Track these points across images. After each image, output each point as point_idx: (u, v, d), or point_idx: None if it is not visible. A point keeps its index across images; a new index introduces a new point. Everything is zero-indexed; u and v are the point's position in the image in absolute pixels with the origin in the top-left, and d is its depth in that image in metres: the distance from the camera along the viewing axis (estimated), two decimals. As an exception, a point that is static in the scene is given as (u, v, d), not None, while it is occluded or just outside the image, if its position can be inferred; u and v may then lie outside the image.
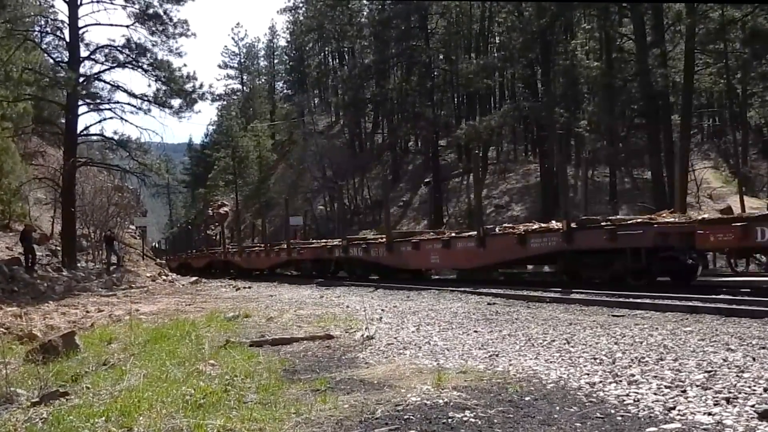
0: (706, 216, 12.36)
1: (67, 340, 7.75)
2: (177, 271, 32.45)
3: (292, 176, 57.30)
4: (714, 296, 9.02)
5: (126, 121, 27.13)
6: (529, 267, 16.98)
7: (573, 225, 13.26)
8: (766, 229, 10.49)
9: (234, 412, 4.26)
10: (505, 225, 17.52)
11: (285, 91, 78.37)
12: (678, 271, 12.69)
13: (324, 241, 24.25)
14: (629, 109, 29.36)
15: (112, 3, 23.96)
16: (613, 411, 3.86)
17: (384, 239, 18.84)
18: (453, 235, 17.20)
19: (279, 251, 25.04)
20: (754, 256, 11.97)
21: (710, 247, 11.83)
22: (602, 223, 12.95)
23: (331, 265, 22.38)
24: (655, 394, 4.16)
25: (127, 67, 24.54)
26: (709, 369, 4.72)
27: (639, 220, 12.93)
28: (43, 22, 25.19)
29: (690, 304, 8.60)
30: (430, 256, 16.99)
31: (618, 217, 14.99)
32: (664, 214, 13.43)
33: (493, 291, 12.43)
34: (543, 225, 14.67)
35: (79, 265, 24.23)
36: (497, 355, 5.90)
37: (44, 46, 25.88)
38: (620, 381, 4.57)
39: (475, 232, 15.37)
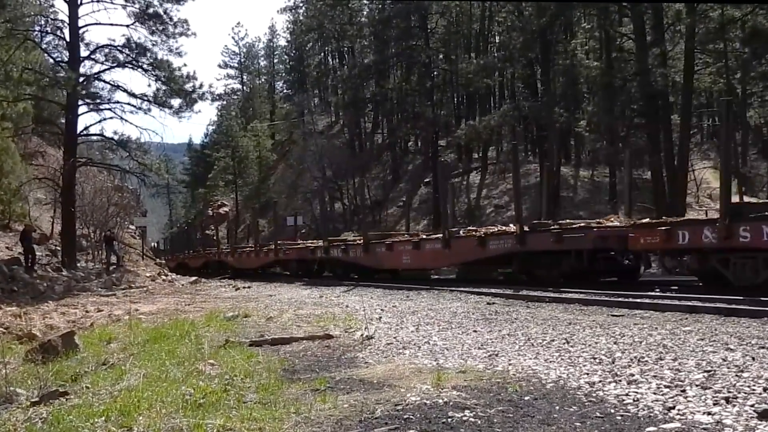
0: (636, 221, 13.37)
1: (67, 339, 7.75)
2: (175, 270, 32.56)
3: (291, 176, 57.28)
4: (714, 296, 9.02)
5: (126, 121, 27.13)
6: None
7: (526, 228, 14.43)
8: (686, 232, 11.34)
9: (233, 412, 4.26)
10: (469, 228, 18.79)
11: (285, 90, 78.35)
12: (620, 271, 13.73)
13: (307, 242, 25.17)
14: (629, 109, 29.35)
15: (112, 3, 23.96)
16: (612, 410, 3.86)
17: (361, 241, 19.86)
18: (422, 237, 18.18)
19: (267, 252, 25.94)
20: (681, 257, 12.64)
21: (640, 248, 12.55)
22: (551, 227, 14.05)
23: (315, 265, 23.25)
24: (654, 393, 4.16)
25: (127, 66, 24.53)
26: (709, 369, 4.72)
27: (582, 224, 14.15)
28: (43, 22, 25.24)
29: (689, 303, 8.61)
30: (402, 257, 18.07)
31: (567, 221, 16.08)
32: (612, 218, 14.53)
33: (493, 291, 12.44)
34: (501, 228, 15.92)
35: (78, 265, 24.22)
36: (497, 355, 5.90)
37: (44, 46, 25.92)
38: (620, 380, 4.57)
39: (441, 235, 16.45)
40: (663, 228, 11.71)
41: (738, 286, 10.37)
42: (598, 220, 15.02)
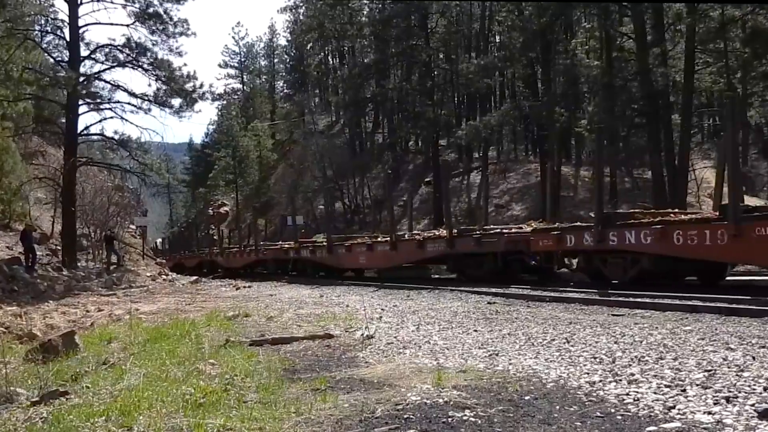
0: (536, 226, 15.05)
1: (67, 339, 7.75)
2: (172, 270, 32.81)
3: (292, 176, 57.29)
4: (714, 295, 9.02)
5: (126, 120, 27.18)
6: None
7: (454, 233, 16.39)
8: (572, 236, 13.13)
9: (234, 412, 4.26)
10: (414, 232, 20.84)
11: (285, 90, 78.39)
12: (532, 270, 15.48)
13: (283, 243, 26.73)
14: (629, 109, 29.33)
15: (112, 2, 23.98)
16: (613, 410, 3.86)
17: (326, 243, 21.80)
18: (374, 240, 20.01)
19: (250, 252, 27.66)
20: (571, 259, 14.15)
21: (540, 250, 14.22)
22: (473, 233, 16.06)
23: (289, 264, 24.94)
24: (655, 393, 4.16)
25: (127, 66, 24.54)
26: (709, 368, 4.72)
27: (497, 230, 16.13)
28: (43, 22, 25.27)
29: (690, 303, 8.60)
30: (359, 258, 19.91)
31: (490, 226, 17.84)
32: (533, 223, 15.98)
33: (493, 290, 12.43)
34: (435, 233, 17.88)
35: (79, 264, 24.25)
36: (497, 355, 5.90)
37: (44, 46, 25.91)
38: (620, 380, 4.57)
39: (389, 238, 18.50)
40: (555, 233, 13.56)
41: (613, 281, 12.43)
42: (519, 225, 17.16)
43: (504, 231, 15.83)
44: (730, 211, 10.36)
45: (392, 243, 18.13)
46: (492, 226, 18.06)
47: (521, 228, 15.95)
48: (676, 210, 15.82)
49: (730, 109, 12.55)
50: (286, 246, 24.99)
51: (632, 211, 15.99)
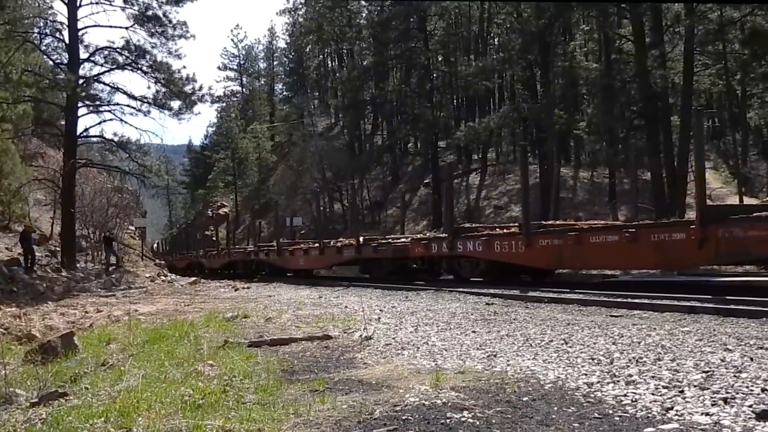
0: (415, 236, 18.55)
1: (66, 340, 7.76)
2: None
3: (291, 177, 57.32)
4: (712, 296, 9.03)
5: (125, 122, 27.18)
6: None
7: (361, 241, 19.57)
8: (436, 245, 16.47)
9: (232, 413, 4.27)
10: (340, 239, 23.26)
11: (284, 92, 78.38)
12: (410, 272, 18.41)
13: (246, 247, 31.08)
14: (628, 111, 29.35)
15: (111, 4, 23.99)
16: (610, 411, 3.87)
17: (276, 247, 25.21)
18: (309, 246, 23.43)
19: (226, 254, 30.88)
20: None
21: (416, 256, 17.35)
22: (371, 242, 19.60)
23: (253, 265, 27.84)
24: (652, 394, 4.17)
25: (126, 68, 24.55)
26: (707, 369, 4.73)
27: (389, 240, 19.90)
28: (42, 24, 25.23)
29: (688, 304, 8.61)
30: (299, 260, 23.15)
31: (391, 236, 21.83)
32: (428, 233, 19.47)
33: (491, 291, 12.44)
34: (350, 241, 20.60)
35: (78, 265, 24.23)
36: (495, 356, 5.91)
37: (43, 48, 25.87)
38: (618, 381, 4.58)
39: (318, 244, 22.15)
40: (424, 242, 17.00)
41: (467, 279, 15.76)
42: (418, 235, 20.64)
43: (391, 240, 19.55)
44: (524, 228, 14.33)
45: (320, 249, 21.73)
46: (387, 236, 22.44)
47: (406, 238, 19.67)
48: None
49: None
50: (249, 249, 29.42)
51: (476, 225, 19.69)
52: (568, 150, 41.74)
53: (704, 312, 8.03)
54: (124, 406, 4.58)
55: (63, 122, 26.16)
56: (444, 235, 16.84)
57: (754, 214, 10.67)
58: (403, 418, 3.94)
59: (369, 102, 51.18)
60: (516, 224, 16.69)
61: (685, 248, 11.05)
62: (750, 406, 3.73)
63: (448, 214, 18.81)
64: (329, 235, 32.36)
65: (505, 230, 15.95)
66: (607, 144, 31.82)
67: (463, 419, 3.85)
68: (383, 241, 19.60)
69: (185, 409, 4.41)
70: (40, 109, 27.06)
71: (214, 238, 41.72)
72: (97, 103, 24.73)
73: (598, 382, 4.62)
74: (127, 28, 24.09)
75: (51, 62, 26.56)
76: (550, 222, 18.04)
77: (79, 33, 23.87)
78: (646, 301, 9.36)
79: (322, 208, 51.84)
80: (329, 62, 71.94)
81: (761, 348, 5.52)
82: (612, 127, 28.01)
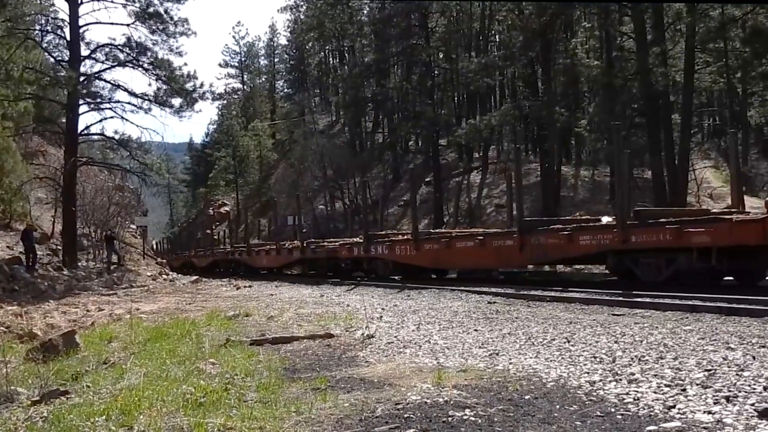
0: (343, 241, 22.02)
1: (68, 338, 7.76)
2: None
3: (292, 175, 57.26)
4: (714, 295, 9.02)
5: (126, 120, 27.24)
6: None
7: (304, 244, 22.87)
8: (356, 248, 19.69)
9: (234, 411, 4.27)
10: (292, 241, 26.37)
11: (285, 90, 78.37)
12: (349, 270, 21.36)
13: (226, 247, 34.14)
14: (629, 109, 29.32)
15: (112, 2, 23.91)
16: (613, 409, 3.86)
17: (246, 247, 29.10)
18: (269, 247, 27.13)
19: (211, 254, 34.13)
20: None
21: (344, 257, 20.72)
22: (312, 244, 23.00)
23: (231, 264, 31.08)
24: (655, 392, 4.16)
25: (127, 66, 24.50)
26: (709, 368, 4.72)
27: (324, 243, 22.95)
28: (43, 21, 25.13)
29: (690, 303, 8.60)
30: (264, 259, 26.58)
31: (333, 239, 24.45)
32: (354, 239, 21.75)
33: (494, 290, 12.43)
34: (296, 244, 23.86)
35: (79, 264, 24.22)
36: (497, 354, 5.90)
37: (45, 45, 25.81)
38: (620, 380, 4.58)
39: (275, 246, 25.77)
40: (347, 246, 20.39)
41: (382, 276, 18.65)
42: (341, 240, 23.17)
43: (326, 244, 22.53)
44: (413, 235, 17.44)
45: (277, 250, 25.08)
46: (323, 240, 24.72)
47: (336, 242, 22.50)
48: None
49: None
50: (228, 250, 32.77)
51: (386, 232, 23.24)
52: (569, 148, 41.68)
53: (706, 311, 8.02)
54: (126, 404, 4.58)
55: (64, 120, 26.10)
56: (361, 240, 19.92)
57: (552, 226, 14.07)
58: (405, 416, 3.94)
59: (370, 99, 51.10)
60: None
61: (513, 252, 14.27)
62: (752, 405, 3.73)
63: (364, 222, 22.58)
64: (330, 234, 32.62)
65: (401, 236, 19.75)
66: (608, 142, 31.79)
67: (465, 417, 3.85)
68: (321, 245, 22.72)
69: (187, 407, 4.42)
70: (41, 107, 26.99)
71: (216, 237, 41.81)
72: (98, 100, 24.69)
73: (601, 380, 4.62)
74: (128, 25, 24.06)
75: (52, 59, 26.58)
76: (435, 231, 23.01)
77: (81, 30, 23.82)
78: (648, 299, 9.35)
79: (323, 206, 51.98)
80: (330, 59, 71.87)
81: (763, 347, 5.51)
82: (613, 125, 27.96)
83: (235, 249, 30.83)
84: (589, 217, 17.85)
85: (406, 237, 18.75)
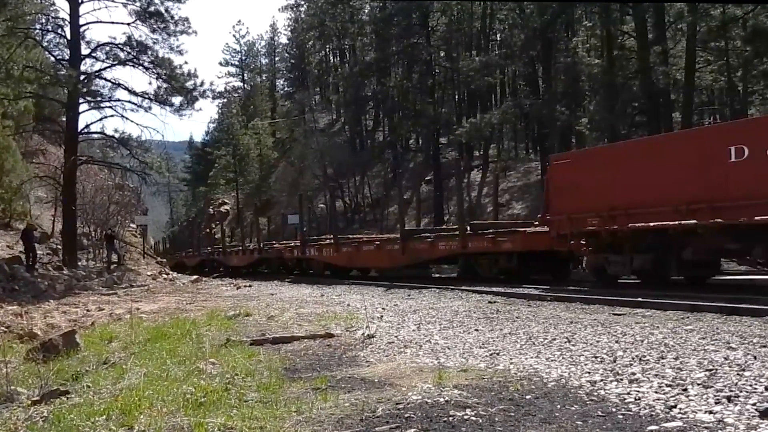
0: (285, 244, 26.21)
1: (68, 338, 7.76)
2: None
3: (292, 174, 57.24)
4: (715, 294, 9.01)
5: (127, 119, 27.15)
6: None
7: (261, 246, 28.07)
8: (296, 250, 23.96)
9: (235, 411, 4.26)
10: (236, 244, 33.47)
11: (286, 88, 78.23)
12: (294, 268, 25.63)
13: (209, 248, 37.80)
14: (630, 107, 29.28)
15: (113, 1, 23.90)
16: (614, 409, 3.86)
17: (221, 248, 34.28)
18: (238, 248, 31.90)
19: (198, 255, 37.65)
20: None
21: (287, 258, 25.16)
22: (267, 246, 27.89)
23: (214, 263, 34.30)
24: (656, 392, 4.16)
25: (128, 64, 24.47)
26: (710, 367, 4.72)
27: (274, 244, 27.42)
28: (44, 20, 25.09)
29: (691, 302, 8.59)
30: (234, 259, 31.18)
31: (275, 242, 28.64)
32: (278, 243, 27.40)
33: (494, 289, 12.44)
34: (255, 245, 29.50)
35: (79, 263, 24.20)
36: (498, 354, 5.90)
37: (45, 44, 25.77)
38: (621, 379, 4.57)
39: (241, 247, 31.47)
40: (289, 247, 24.94)
41: (320, 274, 22.52)
42: (286, 242, 27.45)
43: (276, 245, 26.62)
44: (334, 240, 21.78)
45: (243, 251, 30.08)
46: (274, 243, 28.44)
47: (282, 244, 26.41)
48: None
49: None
50: (210, 250, 36.49)
51: (322, 236, 25.69)
52: (570, 146, 41.61)
53: (707, 310, 8.02)
54: (126, 404, 4.58)
55: (64, 118, 26.10)
56: (299, 243, 23.97)
57: (421, 235, 18.50)
58: (406, 416, 3.93)
59: (370, 98, 51.12)
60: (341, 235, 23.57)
61: (398, 254, 18.28)
62: (753, 404, 3.73)
63: (300, 226, 25.81)
64: (330, 232, 32.81)
65: (327, 241, 22.64)
66: (608, 140, 31.75)
67: (466, 417, 3.84)
68: (273, 246, 26.90)
69: (187, 407, 4.41)
70: (42, 106, 26.98)
71: (217, 236, 41.90)
72: (99, 99, 24.65)
73: (602, 380, 4.61)
74: (128, 24, 24.02)
75: (52, 58, 26.50)
76: (352, 236, 25.84)
77: (81, 29, 23.79)
78: (649, 299, 9.34)
79: (323, 205, 51.94)
80: (331, 58, 71.83)
81: (765, 346, 5.51)
82: (614, 124, 27.92)
83: (215, 250, 34.95)
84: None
85: (329, 242, 22.37)
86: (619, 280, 12.77)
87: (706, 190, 10.20)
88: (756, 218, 9.48)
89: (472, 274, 16.16)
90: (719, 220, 10.04)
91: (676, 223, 10.60)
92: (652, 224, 11.06)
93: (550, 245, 13.58)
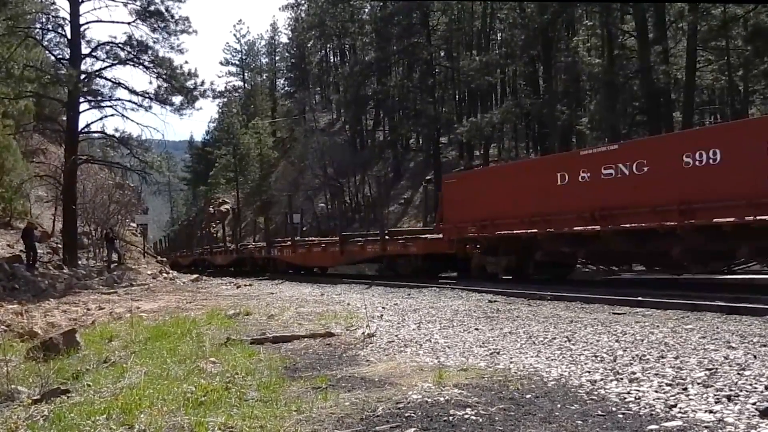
0: (254, 245, 29.79)
1: (68, 337, 7.76)
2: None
3: (293, 174, 57.27)
4: (715, 294, 9.01)
5: (127, 118, 27.21)
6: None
7: (238, 247, 31.42)
8: (264, 250, 26.46)
9: (235, 410, 4.27)
10: (221, 245, 35.72)
11: (286, 88, 78.28)
12: (263, 267, 27.44)
13: (196, 250, 39.72)
14: (631, 107, 29.29)
15: (113, 0, 23.89)
16: (614, 409, 3.86)
17: (209, 249, 36.71)
18: (220, 249, 34.15)
19: (189, 255, 39.57)
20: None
21: (257, 257, 27.73)
22: (242, 247, 31.11)
23: (204, 262, 35.62)
24: (656, 391, 4.16)
25: (128, 64, 24.44)
26: (711, 367, 4.72)
27: (248, 245, 30.95)
28: (44, 19, 25.08)
29: (691, 301, 8.59)
30: (218, 258, 33.18)
31: (251, 243, 32.43)
32: (251, 245, 30.51)
33: (494, 289, 12.42)
34: (233, 246, 32.71)
35: (80, 262, 24.19)
36: (498, 353, 5.90)
37: (45, 44, 25.77)
38: (621, 379, 4.57)
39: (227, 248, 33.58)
40: (258, 248, 27.90)
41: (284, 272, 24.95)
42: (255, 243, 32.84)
43: (248, 246, 30.44)
44: (292, 242, 24.70)
45: (225, 251, 32.85)
46: (248, 244, 32.44)
47: (253, 245, 30.19)
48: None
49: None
50: (200, 251, 38.51)
51: (286, 239, 27.16)
52: (571, 146, 41.60)
53: (707, 309, 8.02)
54: (126, 403, 4.58)
55: (64, 118, 26.07)
56: (265, 244, 26.91)
57: (355, 239, 21.06)
58: (406, 415, 3.93)
59: (371, 98, 51.12)
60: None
61: (338, 255, 21.09)
62: (753, 404, 3.73)
63: (266, 231, 28.37)
64: (331, 233, 32.94)
65: (288, 243, 25.04)
66: (609, 140, 31.74)
67: (466, 416, 3.84)
68: (246, 247, 30.32)
69: (187, 406, 4.41)
70: (42, 105, 26.96)
71: (218, 235, 42.00)
72: (99, 98, 24.62)
73: (602, 379, 4.61)
74: (129, 23, 24.00)
75: (53, 58, 26.48)
76: (306, 239, 28.18)
77: (81, 28, 23.76)
78: (649, 298, 9.33)
79: (323, 204, 51.97)
80: (331, 58, 71.87)
81: (765, 345, 5.50)
82: (614, 123, 27.93)
83: (204, 251, 37.51)
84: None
85: (288, 244, 25.02)
86: (507, 276, 15.04)
87: (543, 206, 13.11)
88: (575, 228, 12.51)
89: (392, 272, 18.80)
90: (551, 229, 12.99)
91: (523, 231, 13.68)
92: (509, 232, 14.10)
93: (445, 249, 16.51)
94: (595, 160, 12.37)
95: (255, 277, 24.90)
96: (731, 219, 9.81)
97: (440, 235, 16.74)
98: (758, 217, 9.40)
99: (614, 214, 11.64)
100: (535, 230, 13.28)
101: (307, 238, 28.65)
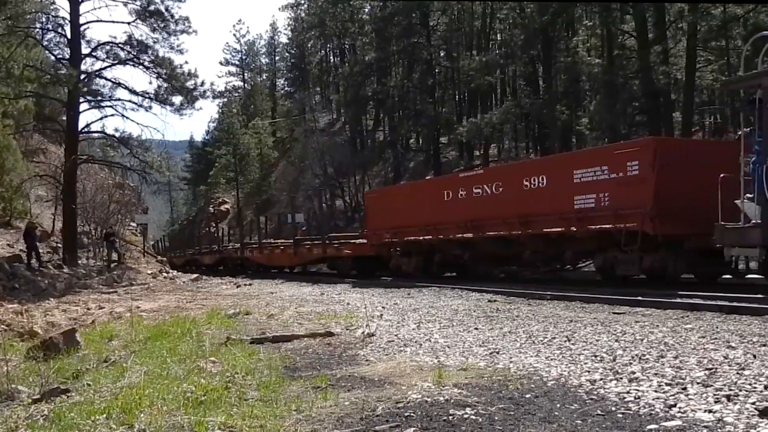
0: (231, 246, 32.26)
1: (68, 337, 7.77)
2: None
3: (293, 174, 57.22)
4: (715, 293, 9.02)
5: (127, 118, 27.24)
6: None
7: (220, 248, 32.84)
8: (238, 251, 29.74)
9: (235, 409, 4.27)
10: (213, 246, 36.08)
11: (286, 88, 78.22)
12: (239, 267, 29.65)
13: (192, 249, 40.99)
14: (631, 107, 29.28)
15: (113, 0, 23.89)
16: (613, 408, 3.86)
17: (199, 250, 37.63)
18: (207, 250, 35.89)
19: (183, 256, 40.34)
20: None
21: (233, 257, 30.31)
22: (223, 248, 33.01)
23: (197, 262, 36.47)
24: (655, 391, 4.16)
25: (128, 64, 24.46)
26: (710, 366, 4.72)
27: (227, 246, 32.71)
28: (44, 19, 25.09)
29: (691, 301, 8.60)
30: (206, 258, 34.76)
31: (229, 244, 33.94)
32: (233, 245, 31.87)
33: (494, 288, 12.42)
34: (214, 248, 34.48)
35: (80, 262, 24.20)
36: (498, 353, 5.90)
37: (45, 43, 25.78)
38: (621, 378, 4.57)
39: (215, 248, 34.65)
40: (233, 249, 30.94)
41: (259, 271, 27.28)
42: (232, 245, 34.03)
43: (227, 247, 32.61)
44: (258, 244, 27.94)
45: (210, 251, 34.53)
46: (227, 245, 34.02)
47: (231, 246, 32.02)
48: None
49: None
50: (192, 251, 39.71)
51: (254, 241, 30.45)
52: (570, 146, 41.60)
53: (707, 309, 8.01)
54: (126, 402, 4.59)
55: (64, 118, 26.09)
56: (239, 246, 29.92)
57: (305, 243, 23.27)
58: (406, 414, 3.94)
59: (371, 97, 51.07)
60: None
61: (293, 256, 23.67)
62: (753, 404, 3.72)
63: (238, 233, 29.61)
64: (331, 231, 33.00)
65: (256, 245, 28.14)
66: (609, 140, 31.73)
67: (465, 416, 3.84)
68: (227, 248, 32.45)
69: (187, 405, 4.42)
70: (42, 105, 27.00)
71: (217, 235, 41.96)
72: (99, 98, 24.65)
73: (601, 379, 4.61)
74: (129, 23, 24.02)
75: (53, 57, 26.49)
76: (275, 240, 29.86)
77: (81, 28, 23.78)
78: (649, 298, 9.33)
79: (324, 204, 51.95)
80: (331, 58, 71.81)
81: (764, 345, 5.50)
82: (614, 123, 27.93)
83: (195, 251, 38.91)
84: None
85: (256, 246, 28.15)
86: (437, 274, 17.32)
87: (436, 218, 16.20)
88: (457, 235, 15.54)
89: (335, 271, 21.62)
90: (441, 236, 16.13)
91: (423, 238, 16.75)
92: (415, 238, 17.11)
93: (369, 252, 19.38)
94: (469, 181, 15.71)
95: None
96: (558, 228, 12.82)
97: (365, 240, 19.76)
98: (571, 228, 12.49)
99: (482, 224, 14.72)
100: (430, 237, 16.52)
101: (271, 240, 30.87)
